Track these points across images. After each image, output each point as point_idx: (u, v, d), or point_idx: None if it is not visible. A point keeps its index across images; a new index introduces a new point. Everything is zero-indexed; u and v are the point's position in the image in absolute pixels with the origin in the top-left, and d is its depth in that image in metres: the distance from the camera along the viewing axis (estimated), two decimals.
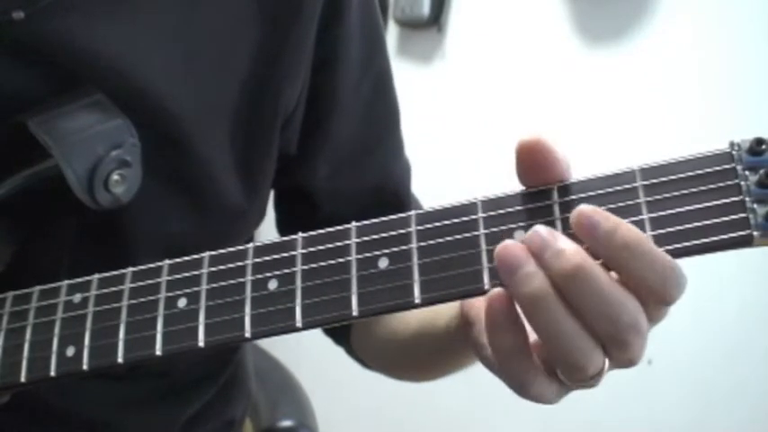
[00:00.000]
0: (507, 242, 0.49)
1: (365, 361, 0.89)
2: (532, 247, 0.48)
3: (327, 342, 0.90)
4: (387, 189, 0.84)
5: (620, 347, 0.49)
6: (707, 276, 1.50)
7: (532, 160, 0.51)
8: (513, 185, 0.52)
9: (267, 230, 0.84)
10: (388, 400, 2.04)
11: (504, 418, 1.94)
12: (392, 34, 2.11)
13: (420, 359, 0.80)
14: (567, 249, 0.48)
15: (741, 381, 1.62)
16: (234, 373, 0.91)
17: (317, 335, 0.72)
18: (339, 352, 0.91)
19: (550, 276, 0.48)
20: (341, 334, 0.88)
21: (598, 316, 0.48)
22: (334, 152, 0.81)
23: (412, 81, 2.03)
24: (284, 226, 0.87)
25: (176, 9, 0.69)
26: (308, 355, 1.80)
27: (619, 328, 0.49)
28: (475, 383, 2.06)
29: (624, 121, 1.74)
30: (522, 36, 1.89)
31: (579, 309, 0.49)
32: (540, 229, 0.49)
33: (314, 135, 0.80)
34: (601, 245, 0.48)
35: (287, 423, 1.16)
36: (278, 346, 1.24)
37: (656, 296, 0.49)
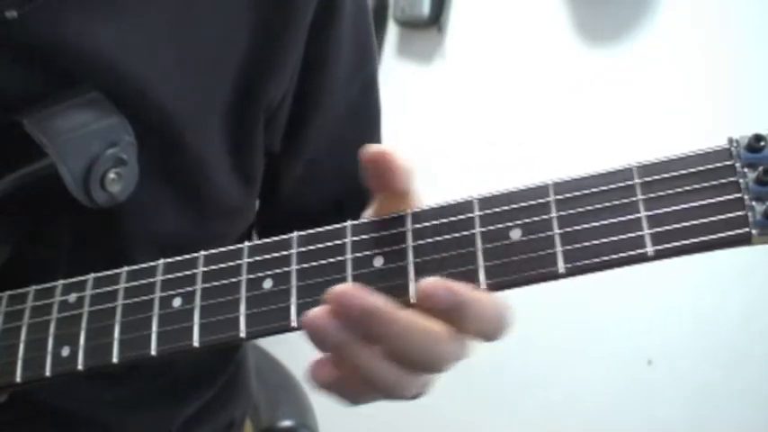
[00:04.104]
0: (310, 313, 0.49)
1: None
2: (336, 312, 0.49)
3: None
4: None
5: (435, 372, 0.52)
6: (708, 277, 1.50)
7: (375, 169, 0.52)
8: (513, 185, 0.52)
9: None
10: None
11: (504, 418, 1.94)
12: (392, 34, 2.10)
13: None
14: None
15: (742, 382, 1.61)
16: (234, 375, 0.90)
17: None
18: None
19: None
20: None
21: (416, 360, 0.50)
22: (313, 152, 0.81)
23: (412, 81, 2.03)
24: None
25: (170, 8, 0.69)
26: (307, 356, 1.79)
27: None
28: (475, 384, 2.05)
29: (624, 121, 1.73)
30: (522, 36, 1.89)
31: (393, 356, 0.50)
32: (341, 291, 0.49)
33: (296, 134, 0.80)
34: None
35: (287, 423, 1.16)
36: (278, 346, 1.24)
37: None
